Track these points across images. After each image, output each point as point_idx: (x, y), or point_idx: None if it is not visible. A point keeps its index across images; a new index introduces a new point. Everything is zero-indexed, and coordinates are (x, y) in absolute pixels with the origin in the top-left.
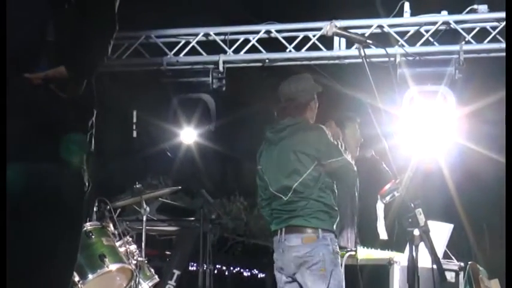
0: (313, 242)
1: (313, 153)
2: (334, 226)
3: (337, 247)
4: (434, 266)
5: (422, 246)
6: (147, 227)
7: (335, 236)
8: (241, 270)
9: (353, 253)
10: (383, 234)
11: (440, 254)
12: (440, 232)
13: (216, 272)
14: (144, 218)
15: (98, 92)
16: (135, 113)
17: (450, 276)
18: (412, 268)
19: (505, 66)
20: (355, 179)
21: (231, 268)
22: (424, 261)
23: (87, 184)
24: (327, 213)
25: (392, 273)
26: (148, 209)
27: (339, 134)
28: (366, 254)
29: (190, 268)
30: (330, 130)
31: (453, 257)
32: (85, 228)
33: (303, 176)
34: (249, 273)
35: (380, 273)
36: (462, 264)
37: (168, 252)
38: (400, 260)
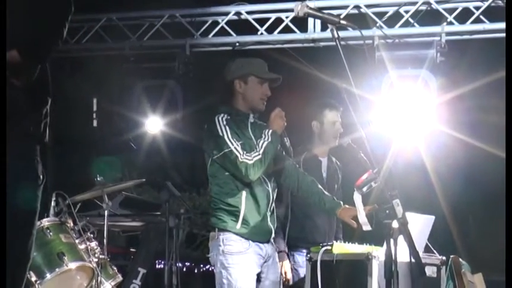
0: (212, 242)
1: (205, 149)
2: (238, 225)
3: (232, 246)
4: (413, 260)
5: (402, 239)
6: (109, 223)
7: (244, 237)
8: (212, 268)
9: (329, 248)
10: (366, 226)
11: (421, 248)
12: (421, 224)
13: (184, 269)
14: (106, 213)
15: (54, 79)
16: (95, 101)
17: (432, 271)
18: (390, 263)
19: (505, 67)
20: (245, 171)
21: (201, 266)
22: (404, 255)
23: (41, 177)
24: (226, 211)
25: (370, 269)
26: (110, 203)
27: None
28: (342, 248)
29: (156, 266)
30: (275, 120)
31: (435, 251)
32: (42, 225)
33: (208, 173)
34: None
35: (358, 268)
36: (444, 258)
37: (132, 250)
38: (379, 254)
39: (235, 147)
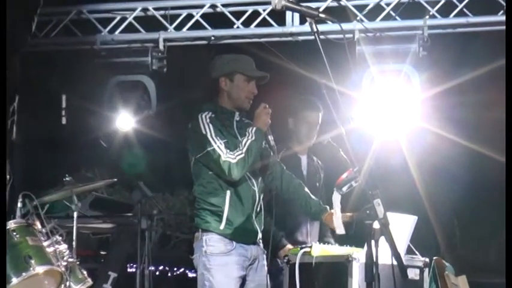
0: (195, 243)
1: (189, 147)
2: (222, 225)
3: (214, 247)
4: (395, 262)
5: (383, 241)
6: (79, 225)
7: (228, 237)
8: (186, 271)
9: (308, 250)
10: (340, 229)
11: (403, 250)
12: (403, 225)
13: (157, 273)
14: (76, 215)
15: (22, 75)
16: (64, 97)
17: (414, 273)
18: (371, 265)
19: (505, 66)
20: (228, 170)
21: (175, 269)
22: (385, 257)
23: (8, 177)
24: (210, 211)
25: (351, 271)
26: (80, 204)
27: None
28: (322, 250)
29: (128, 270)
30: (260, 117)
31: (417, 253)
32: (8, 227)
33: (192, 173)
34: (194, 274)
35: (338, 271)
36: (427, 260)
37: (102, 252)
38: (359, 256)
39: (218, 146)
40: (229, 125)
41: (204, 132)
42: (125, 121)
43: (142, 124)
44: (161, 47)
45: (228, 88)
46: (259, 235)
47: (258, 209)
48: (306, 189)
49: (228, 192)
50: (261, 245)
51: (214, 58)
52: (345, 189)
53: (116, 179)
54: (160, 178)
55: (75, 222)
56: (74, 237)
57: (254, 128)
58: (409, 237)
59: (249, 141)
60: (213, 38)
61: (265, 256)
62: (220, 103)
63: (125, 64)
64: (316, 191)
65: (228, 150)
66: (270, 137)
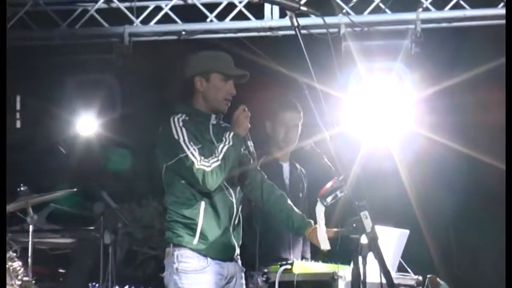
0: (166, 259)
1: (159, 154)
2: (195, 240)
3: (187, 264)
4: (384, 281)
5: (371, 257)
6: (34, 239)
7: (202, 253)
8: None
9: (288, 267)
10: (324, 244)
11: (393, 267)
12: (393, 240)
13: None
14: (31, 228)
15: None
16: (18, 98)
17: None
18: (357, 283)
19: (505, 64)
20: (202, 179)
21: None
22: (374, 275)
23: None
24: (182, 224)
25: None
26: (36, 216)
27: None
28: (304, 268)
29: None
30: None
31: (410, 270)
32: None
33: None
34: None
35: None
36: (420, 278)
37: (61, 271)
38: (345, 274)
39: (191, 152)
40: (204, 129)
41: (176, 137)
42: (86, 125)
43: (106, 128)
44: (126, 42)
45: (203, 88)
46: (237, 250)
47: (236, 222)
48: (289, 202)
49: (203, 203)
50: (239, 261)
51: (188, 56)
52: (329, 200)
53: (75, 189)
54: (126, 187)
55: (30, 236)
56: (30, 254)
57: (232, 133)
58: (400, 252)
59: (226, 147)
60: (183, 32)
61: (243, 274)
62: (195, 105)
63: (86, 61)
64: (299, 202)
65: (203, 157)
66: (249, 143)
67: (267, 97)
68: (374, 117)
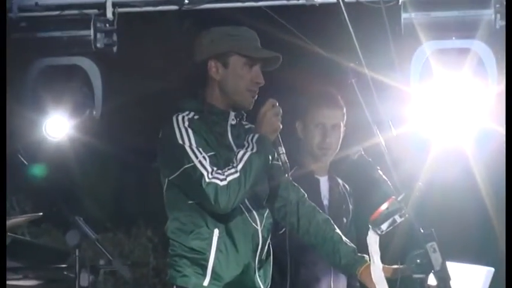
0: None
1: (160, 165)
2: (206, 281)
3: None
4: None
5: None
6: None
7: None
8: None
9: None
10: (381, 286)
11: None
12: (473, 280)
13: None
14: None
15: None
16: None
17: None
18: None
19: (505, 66)
20: (214, 197)
21: None
22: None
23: None
24: (189, 260)
25: None
26: None
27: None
28: None
29: None
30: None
31: None
32: None
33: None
34: None
35: None
36: None
37: None
38: None
39: (200, 161)
40: (220, 131)
41: (180, 141)
42: (55, 126)
43: (83, 131)
44: (109, 14)
45: (220, 76)
46: None
47: (263, 257)
48: (336, 230)
49: (216, 232)
50: None
51: (200, 33)
52: (384, 227)
53: (41, 213)
54: (110, 211)
55: None
56: None
57: (257, 136)
58: None
59: (247, 155)
60: (186, 1)
61: None
62: (208, 99)
63: (55, 40)
64: (342, 230)
65: (216, 168)
66: (281, 149)
67: (298, 88)
68: (444, 114)
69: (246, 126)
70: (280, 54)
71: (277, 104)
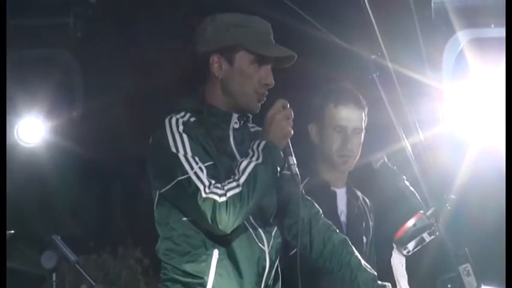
0: None
1: (150, 177)
2: None
3: None
4: None
5: None
6: None
7: None
8: None
9: None
10: None
11: None
12: None
13: None
14: None
15: None
16: None
17: None
18: None
19: (505, 66)
20: (212, 215)
21: None
22: None
23: None
24: (184, 285)
25: None
26: None
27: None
28: None
29: None
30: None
31: None
32: None
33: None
34: None
35: None
36: None
37: None
38: None
39: (195, 173)
40: (221, 135)
41: (174, 149)
42: (30, 129)
43: (61, 134)
44: None
45: (223, 74)
46: None
47: (270, 283)
48: (355, 253)
49: (216, 253)
50: None
51: (202, 21)
52: (411, 246)
53: (12, 231)
54: (92, 228)
55: None
56: None
57: (263, 143)
58: None
59: (252, 165)
60: None
61: None
62: (208, 99)
63: (30, 29)
64: (362, 251)
65: (214, 182)
66: (292, 159)
67: (312, 86)
68: (482, 115)
69: (252, 130)
70: (293, 45)
71: (288, 106)
